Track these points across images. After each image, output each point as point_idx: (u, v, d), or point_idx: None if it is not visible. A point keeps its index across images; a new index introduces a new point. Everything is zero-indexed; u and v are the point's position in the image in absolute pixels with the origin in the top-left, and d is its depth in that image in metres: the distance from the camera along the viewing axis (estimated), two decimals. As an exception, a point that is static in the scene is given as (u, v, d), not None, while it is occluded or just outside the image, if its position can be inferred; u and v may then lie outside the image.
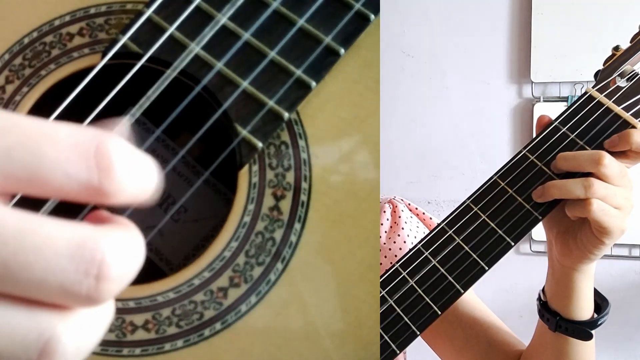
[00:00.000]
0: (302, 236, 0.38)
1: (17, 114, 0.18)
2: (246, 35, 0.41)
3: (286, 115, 0.40)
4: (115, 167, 0.18)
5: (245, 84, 0.40)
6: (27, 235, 0.17)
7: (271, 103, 0.40)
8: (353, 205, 0.38)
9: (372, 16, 0.41)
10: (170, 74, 0.40)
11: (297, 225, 0.38)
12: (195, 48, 0.40)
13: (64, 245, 0.17)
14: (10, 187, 0.17)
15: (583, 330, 0.48)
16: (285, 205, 0.38)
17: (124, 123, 0.21)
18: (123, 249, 0.18)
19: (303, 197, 0.38)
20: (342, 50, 0.40)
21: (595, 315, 0.49)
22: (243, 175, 0.39)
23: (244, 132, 0.39)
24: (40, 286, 0.17)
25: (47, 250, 0.17)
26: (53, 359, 0.17)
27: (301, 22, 0.41)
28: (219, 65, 0.40)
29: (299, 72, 0.40)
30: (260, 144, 0.39)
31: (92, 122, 0.21)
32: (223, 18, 0.41)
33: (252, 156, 0.40)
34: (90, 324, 0.18)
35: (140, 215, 0.45)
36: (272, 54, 0.40)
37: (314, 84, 0.40)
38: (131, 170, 0.18)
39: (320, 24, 0.41)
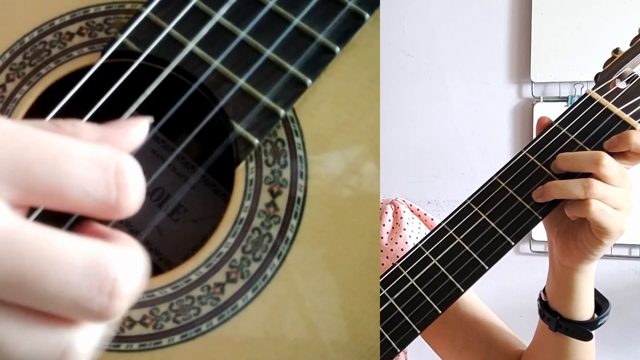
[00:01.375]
0: (298, 232, 0.38)
1: (38, 129, 0.18)
2: (242, 34, 0.41)
3: (282, 112, 0.40)
4: (130, 185, 0.18)
5: (241, 81, 0.40)
6: (45, 249, 0.17)
7: (267, 100, 0.40)
8: (351, 202, 0.39)
9: (367, 15, 0.41)
10: (165, 72, 0.40)
11: (294, 222, 0.38)
12: (191, 44, 0.40)
13: (80, 260, 0.17)
14: (28, 201, 0.18)
15: (583, 331, 0.48)
16: (282, 201, 0.39)
17: (144, 125, 0.22)
18: (133, 268, 0.18)
19: (299, 194, 0.39)
20: (337, 49, 0.41)
21: (596, 316, 0.49)
22: (240, 171, 0.40)
23: (240, 129, 0.40)
24: (54, 300, 0.17)
25: (63, 265, 0.17)
26: None
27: (297, 20, 0.41)
28: (216, 63, 0.40)
29: (294, 70, 0.40)
30: (256, 141, 0.40)
31: (96, 120, 0.21)
32: (220, 17, 0.41)
33: (248, 153, 0.40)
34: (100, 332, 0.19)
35: (140, 215, 0.45)
36: (268, 52, 0.41)
37: (309, 81, 0.40)
38: (140, 187, 0.19)
39: (316, 23, 0.41)
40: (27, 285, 0.17)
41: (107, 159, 0.18)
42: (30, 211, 0.19)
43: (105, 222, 0.20)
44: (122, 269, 0.18)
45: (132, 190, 0.19)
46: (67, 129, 0.20)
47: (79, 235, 0.18)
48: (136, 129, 0.21)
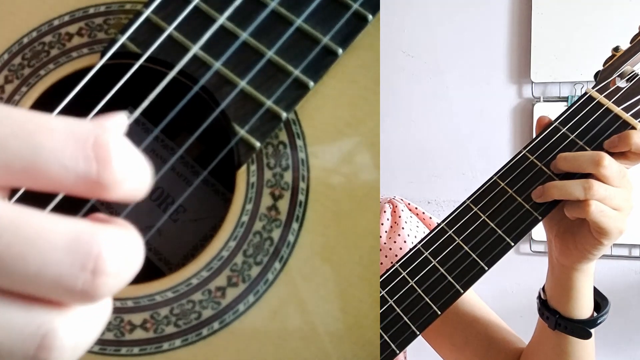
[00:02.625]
0: (300, 236, 0.38)
1: (10, 106, 0.18)
2: (244, 35, 0.41)
3: (284, 115, 0.40)
4: (114, 158, 0.17)
5: (243, 83, 0.40)
6: (22, 228, 0.16)
7: (269, 103, 0.40)
8: (352, 205, 0.38)
9: (370, 16, 0.41)
10: (169, 76, 0.40)
11: (295, 225, 0.38)
12: (194, 48, 0.40)
13: (60, 238, 0.17)
14: (6, 179, 0.17)
15: (582, 329, 0.48)
16: (283, 204, 0.38)
17: (122, 117, 0.21)
18: (120, 245, 0.18)
19: (301, 197, 0.38)
20: (340, 51, 0.40)
21: (595, 314, 0.49)
22: (241, 174, 0.39)
23: (242, 132, 0.39)
24: (35, 280, 0.17)
25: (42, 243, 0.16)
26: (50, 353, 0.17)
27: (299, 22, 0.41)
28: (217, 65, 0.40)
29: (296, 72, 0.40)
30: (258, 144, 0.39)
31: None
32: (221, 18, 0.41)
33: (250, 156, 0.40)
34: (88, 320, 0.18)
35: (139, 215, 0.45)
36: (270, 53, 0.40)
37: (312, 84, 0.40)
38: (128, 163, 0.18)
39: (318, 24, 0.41)
40: (5, 265, 0.16)
41: (85, 132, 0.17)
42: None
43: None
44: (106, 245, 0.17)
45: (117, 164, 0.17)
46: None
47: (59, 215, 0.17)
48: (114, 120, 0.21)
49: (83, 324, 0.18)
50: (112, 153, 0.18)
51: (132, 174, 0.18)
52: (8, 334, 0.17)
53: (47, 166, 0.17)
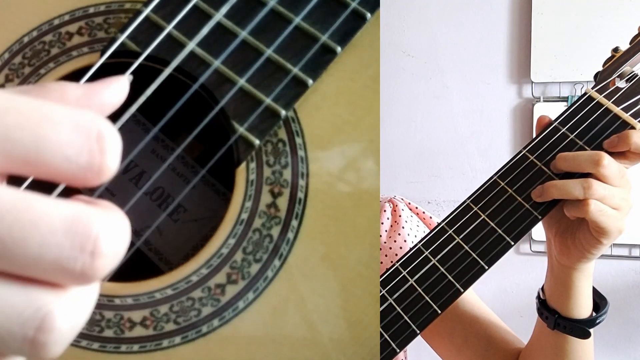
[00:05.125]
0: (299, 233, 0.38)
1: (17, 94, 0.18)
2: (243, 34, 0.41)
3: (283, 112, 0.40)
4: (111, 150, 0.18)
5: (242, 81, 0.40)
6: (22, 211, 0.17)
7: (268, 101, 0.40)
8: (351, 202, 0.39)
9: (369, 15, 0.41)
10: (165, 72, 0.40)
11: (294, 223, 0.38)
12: (191, 44, 0.40)
13: (60, 220, 0.17)
14: (8, 167, 0.17)
15: (581, 329, 0.48)
16: (283, 202, 0.39)
17: (125, 81, 0.22)
18: (115, 227, 0.18)
19: (300, 195, 0.39)
20: (338, 49, 0.41)
21: (594, 314, 0.49)
22: (240, 172, 0.40)
23: (241, 130, 0.40)
24: (35, 262, 0.17)
25: (42, 226, 0.17)
26: (49, 335, 0.17)
27: (297, 20, 0.41)
28: (217, 63, 0.40)
29: (295, 70, 0.40)
30: (257, 142, 0.39)
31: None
32: (218, 14, 0.41)
33: (249, 153, 0.40)
34: (82, 303, 0.18)
35: (139, 215, 0.45)
36: (269, 51, 0.40)
37: (310, 81, 0.40)
38: (118, 152, 0.19)
39: (317, 22, 0.41)
40: (6, 248, 0.16)
41: (89, 123, 0.18)
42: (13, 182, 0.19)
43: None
44: (103, 227, 0.17)
45: (112, 155, 0.18)
46: (52, 87, 0.20)
47: (58, 198, 0.17)
48: (118, 84, 0.22)
49: (78, 306, 0.18)
50: (109, 145, 0.18)
51: (118, 160, 0.19)
52: (8, 316, 0.17)
53: (51, 157, 0.17)
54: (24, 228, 0.16)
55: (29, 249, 0.17)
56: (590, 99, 0.46)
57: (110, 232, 0.18)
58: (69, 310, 0.18)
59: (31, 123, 0.17)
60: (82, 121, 0.18)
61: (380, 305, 0.42)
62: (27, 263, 0.17)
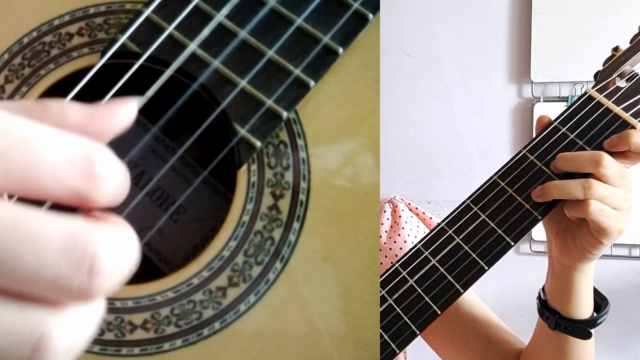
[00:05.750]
0: (301, 235, 0.38)
1: (16, 116, 0.18)
2: (244, 34, 0.41)
3: (285, 114, 0.40)
4: (103, 175, 0.18)
5: (243, 82, 0.40)
6: (19, 227, 0.16)
7: (270, 102, 0.40)
8: (352, 204, 0.38)
9: (371, 16, 0.41)
10: (166, 74, 0.40)
11: (296, 225, 0.38)
12: (192, 45, 0.40)
13: (56, 238, 0.17)
14: (5, 187, 0.17)
15: (582, 329, 0.48)
16: (284, 204, 0.38)
17: (133, 105, 0.21)
18: (116, 245, 0.18)
19: (302, 197, 0.38)
20: (340, 50, 0.40)
21: (595, 314, 0.49)
22: (242, 174, 0.39)
23: (242, 132, 0.39)
24: (31, 280, 0.17)
25: (39, 243, 0.17)
26: (45, 356, 0.17)
27: (299, 21, 0.41)
28: (217, 64, 0.40)
29: (297, 72, 0.40)
30: (259, 143, 0.39)
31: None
32: (219, 15, 0.41)
33: (250, 155, 0.40)
34: (82, 322, 0.18)
35: (140, 215, 0.45)
36: (271, 53, 0.40)
37: (312, 83, 0.40)
38: (112, 178, 0.19)
39: (319, 23, 0.41)
40: (3, 265, 0.16)
41: (80, 149, 0.18)
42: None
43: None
44: (102, 245, 0.17)
45: (105, 179, 0.18)
46: (53, 108, 0.20)
47: (57, 214, 0.17)
48: (125, 109, 0.21)
49: (77, 326, 0.18)
50: (100, 169, 0.18)
51: (119, 184, 0.19)
52: (3, 335, 0.17)
53: (43, 180, 0.17)
54: (21, 245, 0.16)
55: (26, 266, 0.16)
56: (591, 98, 0.45)
57: (110, 249, 0.17)
58: (67, 331, 0.17)
59: (28, 146, 0.17)
60: (74, 146, 0.18)
61: (380, 306, 0.42)
62: (24, 280, 0.17)
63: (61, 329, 0.17)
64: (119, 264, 0.18)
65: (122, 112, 0.21)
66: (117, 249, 0.18)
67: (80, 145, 0.18)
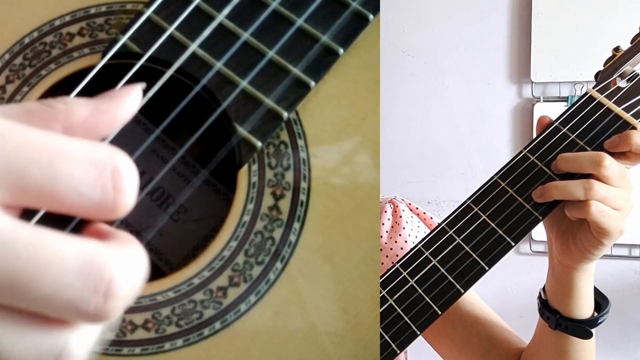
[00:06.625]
0: (301, 235, 0.38)
1: (31, 128, 0.17)
2: (245, 35, 0.41)
3: (285, 114, 0.40)
4: (127, 187, 0.18)
5: (244, 83, 0.40)
6: (38, 250, 0.16)
7: (270, 103, 0.40)
8: (353, 204, 0.39)
9: (371, 16, 0.41)
10: (167, 74, 0.40)
11: (297, 225, 0.38)
12: (193, 46, 0.40)
13: (74, 261, 0.17)
14: (21, 202, 0.17)
15: (583, 329, 0.48)
16: (285, 204, 0.39)
17: (138, 92, 0.21)
18: (130, 266, 0.18)
19: (302, 197, 0.39)
20: (341, 50, 0.41)
21: (596, 314, 0.49)
22: (242, 174, 0.39)
23: (243, 132, 0.40)
24: (48, 302, 0.17)
25: (56, 266, 0.17)
26: None
27: (300, 21, 0.41)
28: (219, 64, 0.40)
29: (298, 72, 0.40)
30: (259, 144, 0.39)
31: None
32: (220, 16, 0.41)
33: (251, 156, 0.40)
34: (98, 333, 0.19)
35: (140, 215, 0.45)
36: (271, 53, 0.40)
37: (313, 83, 0.40)
38: (134, 187, 0.19)
39: (319, 24, 0.41)
40: (20, 287, 0.16)
41: (103, 160, 0.18)
42: (25, 213, 0.19)
43: (109, 223, 0.20)
44: (118, 268, 0.17)
45: (128, 191, 0.18)
46: (59, 107, 0.19)
47: (74, 236, 0.17)
48: (130, 98, 0.21)
49: (94, 336, 0.18)
50: (125, 181, 0.18)
51: (134, 195, 0.19)
52: (26, 353, 0.17)
53: (64, 193, 0.17)
54: (39, 267, 0.16)
55: (42, 289, 0.16)
56: (591, 98, 0.45)
57: (125, 273, 0.18)
58: (85, 343, 0.18)
59: (45, 159, 0.17)
60: (96, 157, 0.18)
61: (381, 306, 0.42)
62: (39, 302, 0.17)
63: (79, 343, 0.18)
64: (133, 285, 0.18)
65: (128, 102, 0.21)
66: (131, 270, 0.18)
67: (101, 153, 0.18)
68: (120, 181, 0.18)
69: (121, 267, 0.18)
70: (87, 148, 0.18)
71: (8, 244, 0.16)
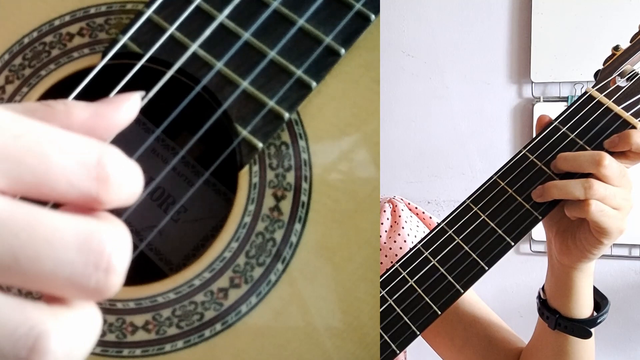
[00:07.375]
0: (302, 236, 0.38)
1: (30, 118, 0.18)
2: (246, 35, 0.41)
3: (286, 115, 0.40)
4: (113, 177, 0.18)
5: (245, 84, 0.40)
6: (37, 228, 0.17)
7: (271, 103, 0.40)
8: (353, 205, 0.38)
9: (373, 16, 0.41)
10: (167, 75, 0.39)
11: (298, 226, 0.38)
12: (194, 46, 0.40)
13: (73, 237, 0.17)
14: (15, 189, 0.17)
15: (582, 329, 0.48)
16: (286, 205, 0.38)
17: (136, 99, 0.22)
18: (123, 242, 0.18)
19: (303, 198, 0.38)
20: (342, 51, 0.40)
21: (595, 314, 0.49)
22: (243, 175, 0.39)
23: (244, 133, 0.39)
24: (49, 279, 0.17)
25: (56, 243, 0.17)
26: (42, 357, 0.17)
27: (301, 22, 0.41)
28: (219, 65, 0.40)
29: (299, 72, 0.40)
30: (260, 144, 0.39)
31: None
32: (221, 16, 0.41)
33: (252, 156, 0.40)
34: (80, 326, 0.18)
35: (140, 215, 0.45)
36: (272, 53, 0.40)
37: (314, 84, 0.40)
38: (124, 180, 0.19)
39: (321, 24, 0.41)
40: (21, 265, 0.16)
41: (92, 152, 0.18)
42: None
43: None
44: (115, 244, 0.18)
45: (115, 182, 0.18)
46: (58, 108, 0.20)
47: (69, 213, 0.18)
48: (128, 104, 0.21)
49: (76, 331, 0.18)
50: (110, 172, 0.18)
51: (125, 188, 0.19)
52: (0, 331, 0.17)
53: (56, 183, 0.18)
54: (39, 245, 0.17)
55: (43, 266, 0.17)
56: (591, 98, 0.45)
57: (120, 248, 0.18)
58: (65, 333, 0.17)
59: (42, 148, 0.17)
60: (85, 148, 0.18)
61: (381, 306, 0.42)
62: (41, 280, 0.17)
63: (60, 330, 0.17)
64: (126, 260, 0.18)
65: (126, 107, 0.21)
66: (124, 245, 0.18)
67: (92, 148, 0.18)
68: (104, 172, 0.18)
69: (116, 242, 0.18)
70: (78, 140, 0.18)
71: (6, 223, 0.16)
